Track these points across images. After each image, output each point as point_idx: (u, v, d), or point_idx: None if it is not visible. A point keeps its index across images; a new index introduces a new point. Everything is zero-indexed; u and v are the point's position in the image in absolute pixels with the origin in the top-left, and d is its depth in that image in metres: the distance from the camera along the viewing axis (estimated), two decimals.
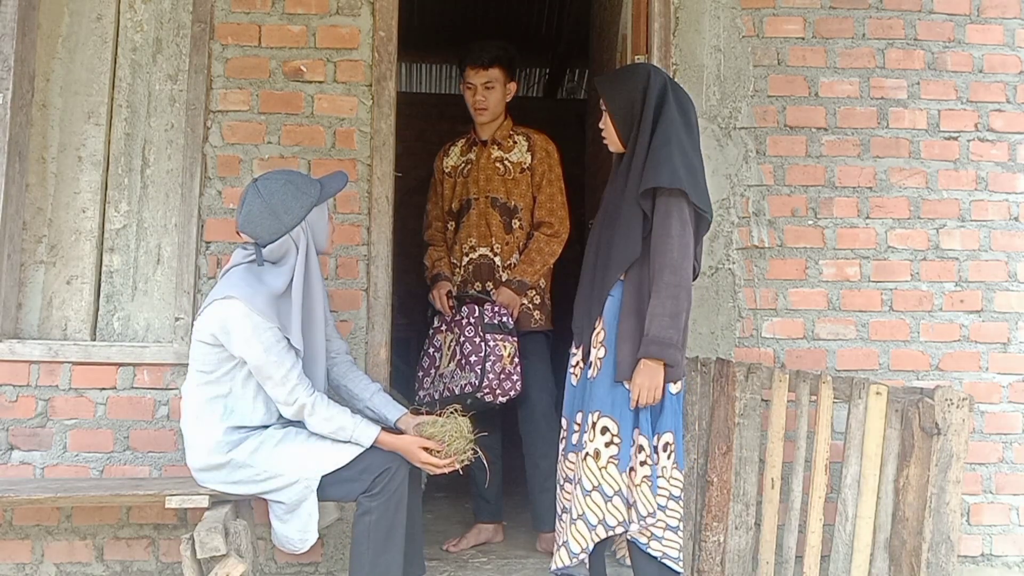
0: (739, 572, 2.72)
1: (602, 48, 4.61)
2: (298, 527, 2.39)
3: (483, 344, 2.98)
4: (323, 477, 2.36)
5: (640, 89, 2.42)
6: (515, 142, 3.30)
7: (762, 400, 2.75)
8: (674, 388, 2.38)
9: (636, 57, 3.24)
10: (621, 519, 2.35)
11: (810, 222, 3.18)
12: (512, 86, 3.33)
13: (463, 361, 3.01)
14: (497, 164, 3.26)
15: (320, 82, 3.08)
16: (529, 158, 3.26)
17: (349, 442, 2.40)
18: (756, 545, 2.72)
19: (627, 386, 2.35)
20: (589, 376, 2.43)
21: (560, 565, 2.40)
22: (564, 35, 6.24)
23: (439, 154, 3.43)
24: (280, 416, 2.47)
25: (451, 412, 2.53)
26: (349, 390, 2.64)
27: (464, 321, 3.07)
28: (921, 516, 2.32)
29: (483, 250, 3.22)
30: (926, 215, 3.21)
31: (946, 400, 2.31)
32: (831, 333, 3.15)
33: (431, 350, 3.20)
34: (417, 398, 3.16)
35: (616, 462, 2.33)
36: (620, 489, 2.34)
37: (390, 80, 3.09)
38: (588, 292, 2.51)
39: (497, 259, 3.21)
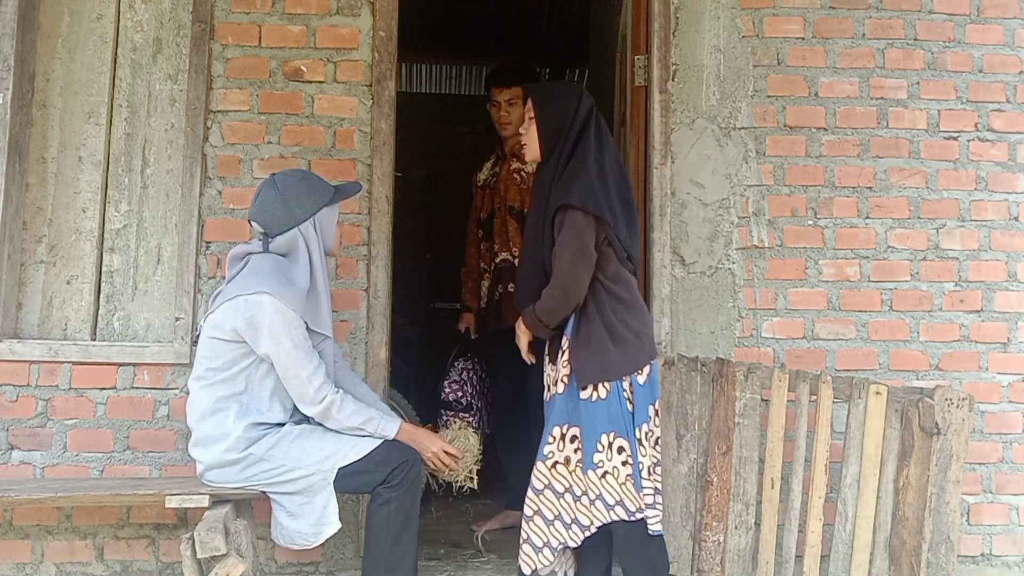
0: (739, 572, 2.73)
1: (602, 48, 4.61)
2: (312, 520, 2.41)
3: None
4: (339, 469, 2.40)
5: (572, 108, 2.45)
6: None
7: (762, 400, 2.75)
8: (640, 378, 2.38)
9: (636, 57, 3.24)
10: (594, 520, 2.36)
11: (810, 222, 3.18)
12: None
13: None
14: (515, 175, 3.51)
15: (320, 82, 3.08)
16: None
17: (369, 435, 2.44)
18: (756, 545, 2.72)
19: (583, 395, 2.35)
20: (559, 392, 2.43)
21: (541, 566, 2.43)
22: (564, 35, 6.23)
23: (475, 170, 3.73)
24: (294, 414, 2.49)
25: (462, 426, 2.67)
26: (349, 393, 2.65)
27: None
28: (921, 516, 2.32)
29: (504, 255, 3.49)
30: (926, 215, 3.21)
31: (946, 400, 2.32)
32: (831, 333, 3.15)
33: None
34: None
35: (582, 465, 2.36)
36: (586, 491, 2.36)
37: (390, 80, 3.09)
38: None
39: (516, 261, 3.42)
